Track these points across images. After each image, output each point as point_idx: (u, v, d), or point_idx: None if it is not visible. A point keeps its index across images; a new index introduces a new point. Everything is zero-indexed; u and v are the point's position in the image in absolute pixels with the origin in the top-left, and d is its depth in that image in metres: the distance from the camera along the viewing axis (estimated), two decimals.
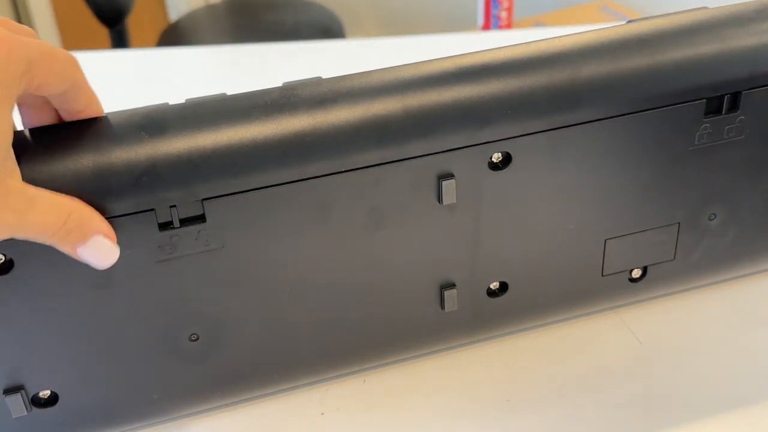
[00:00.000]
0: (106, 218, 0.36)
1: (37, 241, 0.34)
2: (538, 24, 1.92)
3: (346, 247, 0.41)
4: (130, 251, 0.37)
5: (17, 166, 0.33)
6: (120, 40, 1.58)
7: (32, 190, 0.33)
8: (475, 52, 0.40)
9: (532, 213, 0.43)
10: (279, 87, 0.39)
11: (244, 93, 0.38)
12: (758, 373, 0.45)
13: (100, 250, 0.35)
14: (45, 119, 0.37)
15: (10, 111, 0.32)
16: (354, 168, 0.38)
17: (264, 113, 0.37)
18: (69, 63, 0.35)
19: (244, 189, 0.37)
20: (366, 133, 0.38)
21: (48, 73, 0.34)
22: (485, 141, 0.40)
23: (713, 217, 0.46)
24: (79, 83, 0.36)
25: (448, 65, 0.40)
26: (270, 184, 0.38)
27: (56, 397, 0.40)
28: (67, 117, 0.37)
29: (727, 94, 0.42)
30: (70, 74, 0.35)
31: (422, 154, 0.39)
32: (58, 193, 0.34)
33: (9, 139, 0.32)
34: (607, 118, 0.41)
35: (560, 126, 0.40)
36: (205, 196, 0.37)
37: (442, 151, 0.39)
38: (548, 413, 0.44)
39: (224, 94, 0.39)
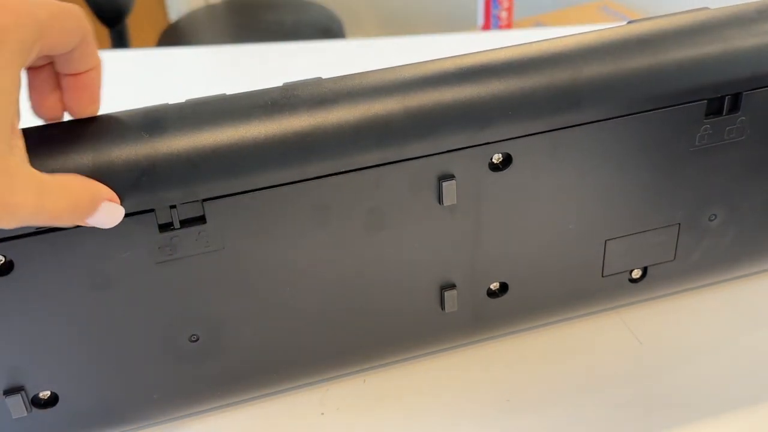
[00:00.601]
0: None
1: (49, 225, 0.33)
2: (538, 24, 1.92)
3: (347, 248, 0.41)
4: (130, 252, 0.37)
5: (25, 146, 0.32)
6: (120, 40, 1.58)
7: (39, 174, 0.32)
8: (475, 53, 0.40)
9: (532, 214, 0.43)
10: (279, 87, 0.39)
11: (244, 93, 0.38)
12: (759, 373, 0.45)
13: (108, 214, 0.35)
14: (52, 102, 0.36)
15: (17, 84, 0.31)
16: (354, 169, 0.38)
17: (264, 113, 0.37)
18: (79, 16, 0.34)
19: (244, 190, 0.37)
20: (366, 133, 0.38)
21: (60, 32, 0.33)
22: (486, 142, 0.40)
23: (713, 217, 0.46)
24: (88, 37, 0.35)
25: (449, 65, 0.39)
26: (270, 184, 0.38)
27: (56, 398, 0.40)
28: (72, 84, 0.36)
29: (728, 94, 0.42)
30: (80, 28, 0.34)
31: (422, 155, 0.39)
32: (60, 174, 0.33)
33: (14, 112, 0.31)
34: (608, 119, 0.41)
35: (561, 127, 0.40)
36: (205, 197, 0.37)
37: (443, 152, 0.39)
38: (548, 413, 0.44)
39: (224, 94, 0.39)
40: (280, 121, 0.37)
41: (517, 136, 0.40)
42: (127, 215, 0.36)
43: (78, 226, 0.36)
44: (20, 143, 0.32)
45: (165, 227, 0.37)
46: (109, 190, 0.35)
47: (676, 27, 0.42)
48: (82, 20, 0.34)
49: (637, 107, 0.41)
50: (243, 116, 0.37)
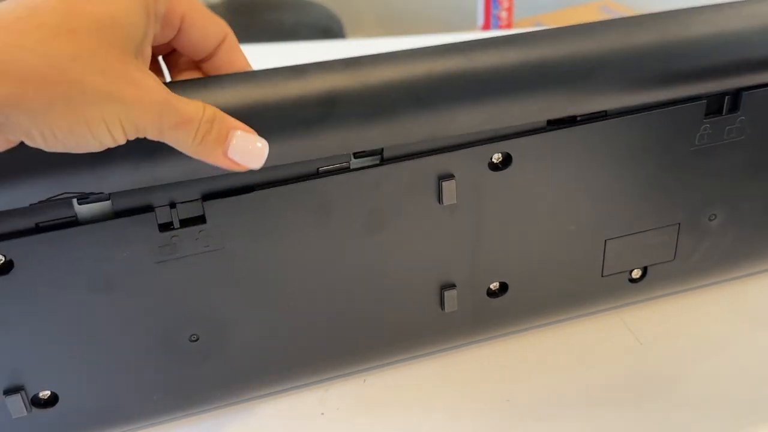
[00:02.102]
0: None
1: (183, 144, 0.32)
2: (538, 24, 1.92)
3: (347, 248, 0.41)
4: (130, 252, 0.37)
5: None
6: None
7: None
8: (477, 51, 0.40)
9: (532, 213, 0.43)
10: None
11: None
12: (758, 373, 0.45)
13: (248, 143, 0.34)
14: None
15: (142, 18, 0.32)
16: (355, 168, 0.38)
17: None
18: None
19: (244, 185, 0.37)
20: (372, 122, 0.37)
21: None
22: (485, 141, 0.40)
23: (713, 217, 0.46)
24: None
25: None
26: (271, 180, 0.38)
27: (56, 398, 0.40)
28: (212, 69, 0.38)
29: (727, 94, 0.42)
30: None
31: (423, 151, 0.39)
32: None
33: (142, 36, 0.32)
34: (608, 119, 0.41)
35: (560, 127, 0.40)
36: (205, 192, 0.37)
37: (443, 152, 0.39)
38: (548, 413, 0.44)
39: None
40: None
41: (516, 135, 0.40)
42: (126, 215, 0.36)
43: (81, 224, 0.36)
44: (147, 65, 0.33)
45: (165, 227, 0.37)
46: (239, 122, 0.34)
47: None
48: None
49: (645, 89, 0.40)
50: None
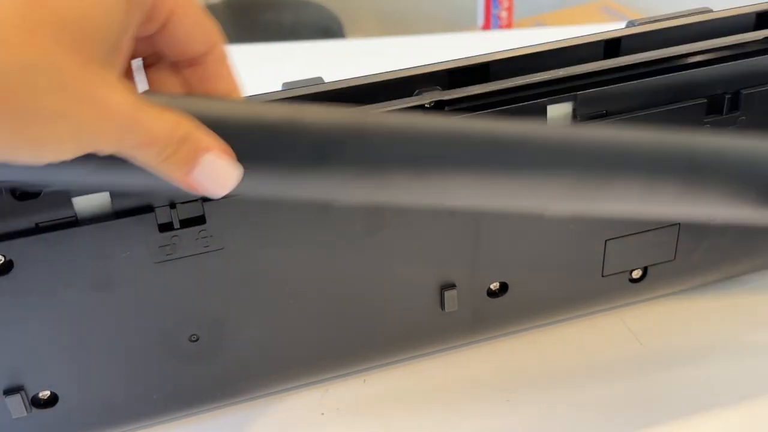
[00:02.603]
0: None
1: (142, 162, 0.28)
2: (538, 24, 1.92)
3: (346, 248, 0.41)
4: (130, 252, 0.37)
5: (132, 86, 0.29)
6: None
7: (138, 95, 0.28)
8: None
9: (532, 213, 0.43)
10: (280, 90, 0.39)
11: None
12: (758, 373, 0.45)
13: (217, 169, 0.29)
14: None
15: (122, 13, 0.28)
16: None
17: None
18: None
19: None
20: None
21: None
22: None
23: None
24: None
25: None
26: None
27: (56, 398, 0.40)
28: (198, 78, 0.33)
29: (727, 93, 0.42)
30: None
31: None
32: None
33: (118, 33, 0.28)
34: (608, 119, 0.41)
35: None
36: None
37: None
38: (548, 413, 0.44)
39: None
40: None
41: None
42: (126, 215, 0.36)
43: (81, 224, 0.36)
44: (121, 69, 0.29)
45: (165, 227, 0.37)
46: (221, 142, 0.30)
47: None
48: None
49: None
50: None
